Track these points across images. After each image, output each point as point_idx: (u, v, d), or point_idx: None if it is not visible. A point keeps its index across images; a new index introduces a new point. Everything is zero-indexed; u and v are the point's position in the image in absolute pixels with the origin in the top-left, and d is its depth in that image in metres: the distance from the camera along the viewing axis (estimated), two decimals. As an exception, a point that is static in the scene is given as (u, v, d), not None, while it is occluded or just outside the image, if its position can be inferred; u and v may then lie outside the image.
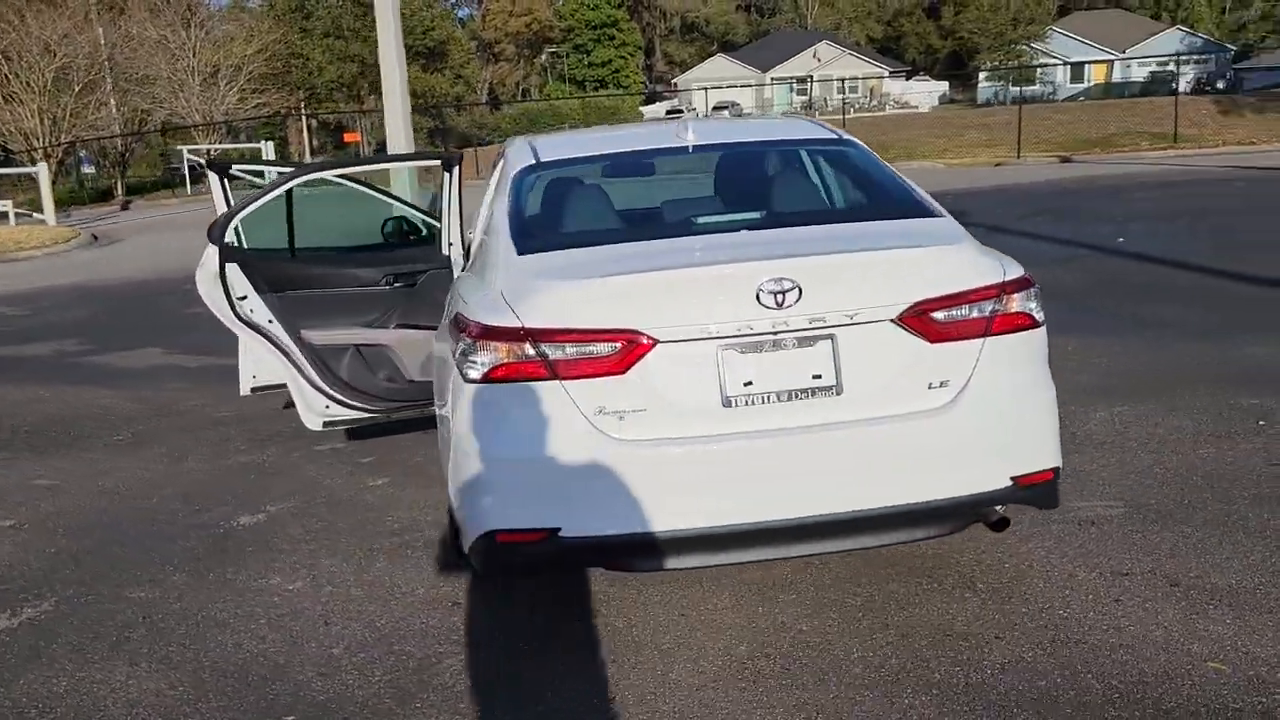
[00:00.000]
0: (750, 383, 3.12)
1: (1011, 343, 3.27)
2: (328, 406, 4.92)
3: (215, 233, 4.59)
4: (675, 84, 74.63)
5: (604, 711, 3.13)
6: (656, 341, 3.07)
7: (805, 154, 4.28)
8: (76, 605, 4.12)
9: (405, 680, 3.39)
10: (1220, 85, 56.71)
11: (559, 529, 3.14)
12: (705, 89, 67.53)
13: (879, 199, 3.81)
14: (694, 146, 4.10)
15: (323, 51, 39.24)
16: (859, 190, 4.00)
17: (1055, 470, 3.34)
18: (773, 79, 68.78)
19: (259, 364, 5.79)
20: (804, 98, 69.20)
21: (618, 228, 3.78)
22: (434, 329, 4.86)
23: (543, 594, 3.90)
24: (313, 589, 4.13)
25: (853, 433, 3.13)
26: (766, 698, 3.13)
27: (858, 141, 4.27)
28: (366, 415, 4.99)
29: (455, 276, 4.81)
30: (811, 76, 67.85)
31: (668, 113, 63.53)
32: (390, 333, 4.91)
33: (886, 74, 69.46)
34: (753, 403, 3.13)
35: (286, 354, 4.81)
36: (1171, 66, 63.07)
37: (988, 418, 3.21)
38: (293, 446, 6.05)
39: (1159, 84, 58.98)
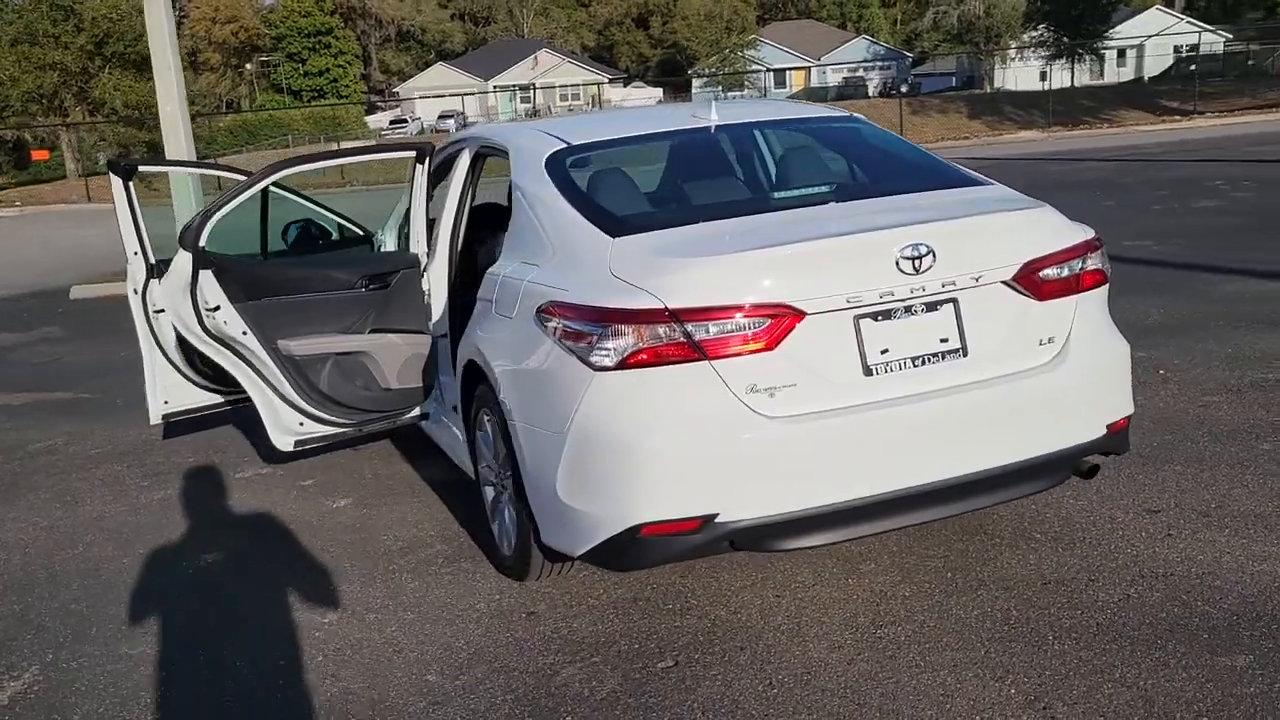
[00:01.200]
0: (887, 350, 3.13)
1: (1095, 297, 3.45)
2: (302, 424, 4.47)
3: (189, 237, 4.06)
4: (397, 93, 73.06)
5: (772, 699, 3.04)
6: (805, 314, 3.02)
7: (829, 129, 4.33)
8: (70, 671, 3.55)
9: (536, 695, 3.16)
10: (903, 89, 61.88)
11: (715, 515, 3.02)
12: (428, 97, 66.70)
13: (925, 170, 3.90)
14: (716, 126, 4.07)
15: (15, 60, 35.28)
16: (898, 162, 4.08)
17: (1129, 416, 3.56)
18: (495, 86, 68.81)
19: (170, 388, 5.21)
20: (528, 105, 69.60)
21: (699, 205, 3.68)
22: (412, 332, 4.55)
23: (615, 593, 3.73)
24: (355, 618, 3.76)
25: (980, 394, 3.20)
26: (922, 661, 3.15)
27: (864, 118, 4.37)
28: (339, 431, 4.58)
29: (427, 272, 4.52)
30: (534, 84, 68.36)
31: (391, 123, 62.11)
32: (369, 338, 4.52)
33: (606, 80, 71.01)
34: (891, 370, 3.13)
35: (258, 369, 4.33)
36: (861, 73, 68.58)
37: (1086, 369, 3.37)
38: (204, 477, 5.47)
39: (852, 88, 63.81)
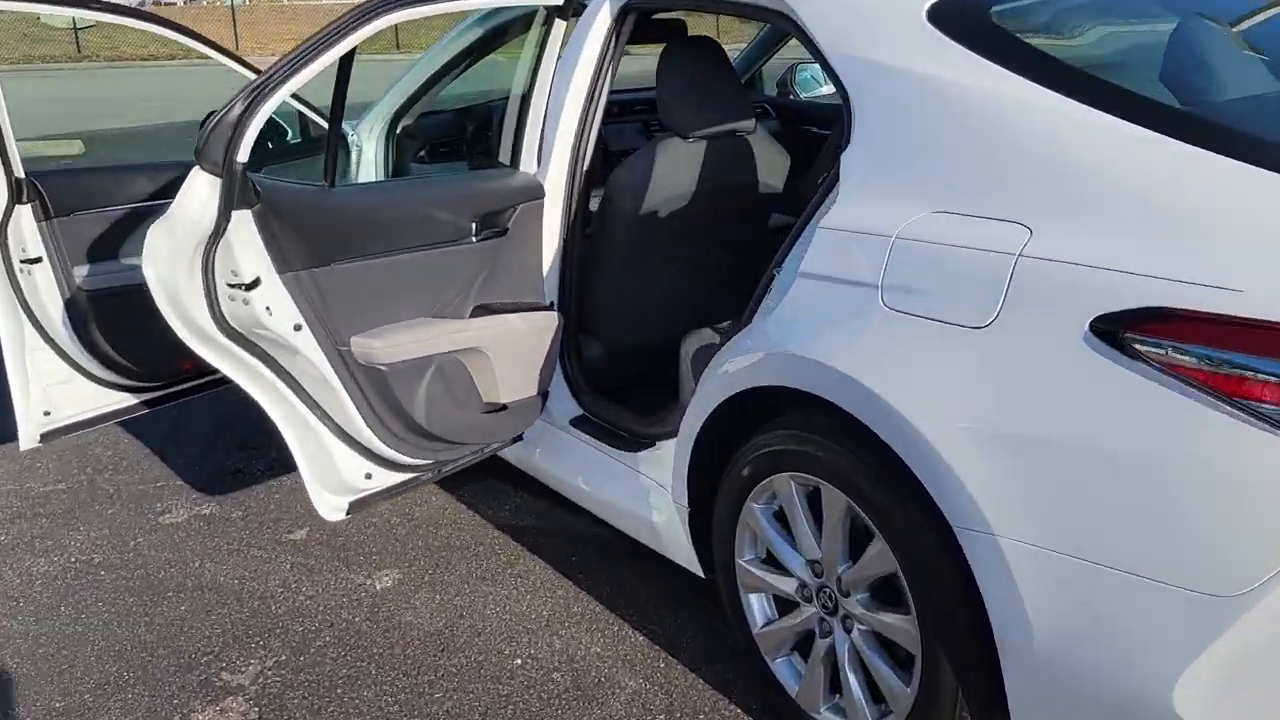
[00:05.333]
0: None
1: None
2: (369, 476, 2.59)
3: (216, 145, 1.99)
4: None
5: None
6: None
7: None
8: None
9: None
10: None
11: None
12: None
13: None
14: None
15: None
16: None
17: None
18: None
19: (54, 390, 3.11)
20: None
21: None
22: (532, 309, 2.79)
23: None
24: None
25: None
26: None
27: None
28: (410, 478, 2.73)
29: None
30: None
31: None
32: (481, 324, 2.63)
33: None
34: None
35: (308, 393, 2.40)
36: None
37: None
38: (114, 527, 3.40)
39: None
